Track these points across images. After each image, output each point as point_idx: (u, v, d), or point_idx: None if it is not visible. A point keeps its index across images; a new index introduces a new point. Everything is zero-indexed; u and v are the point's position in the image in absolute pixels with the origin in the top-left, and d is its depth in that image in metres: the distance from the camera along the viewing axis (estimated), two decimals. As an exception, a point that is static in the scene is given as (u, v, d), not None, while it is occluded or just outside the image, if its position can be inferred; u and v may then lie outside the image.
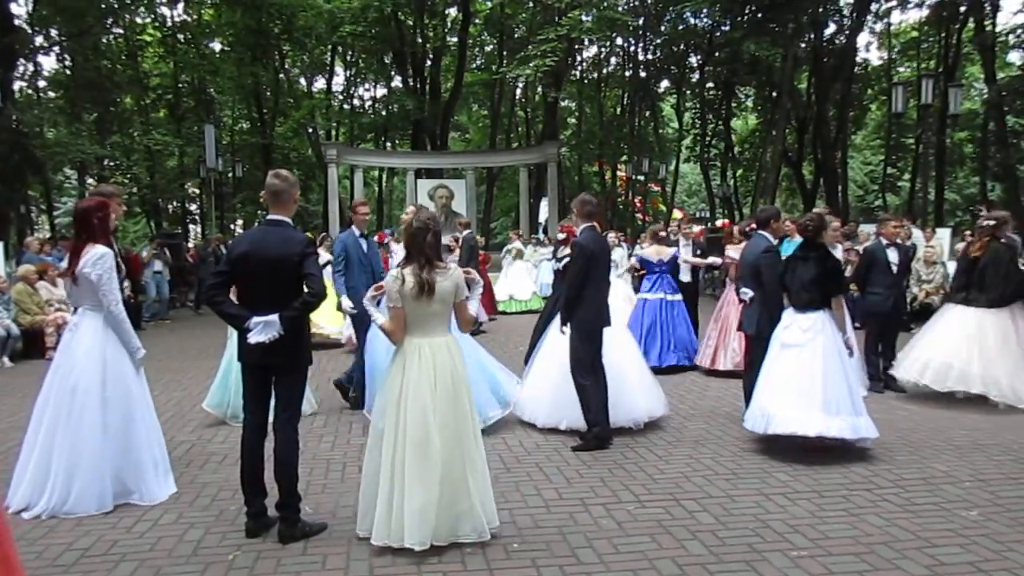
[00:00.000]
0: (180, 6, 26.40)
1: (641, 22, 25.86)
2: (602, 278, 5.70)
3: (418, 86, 28.18)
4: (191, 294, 17.28)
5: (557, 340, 5.81)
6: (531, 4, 26.00)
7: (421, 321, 3.81)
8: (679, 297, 8.94)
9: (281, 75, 28.14)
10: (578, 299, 5.46)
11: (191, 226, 31.80)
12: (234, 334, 5.13)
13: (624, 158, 29.74)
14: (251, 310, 3.79)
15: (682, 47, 27.25)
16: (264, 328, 3.73)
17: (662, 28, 26.28)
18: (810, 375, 5.16)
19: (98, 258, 4.33)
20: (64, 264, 4.75)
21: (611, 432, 5.62)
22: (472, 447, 3.80)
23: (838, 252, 7.21)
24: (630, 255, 14.93)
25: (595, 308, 5.53)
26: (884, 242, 7.62)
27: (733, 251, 8.08)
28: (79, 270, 4.35)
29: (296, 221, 4.40)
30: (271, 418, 3.97)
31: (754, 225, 6.97)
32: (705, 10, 23.08)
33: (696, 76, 28.49)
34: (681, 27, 25.77)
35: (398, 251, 8.13)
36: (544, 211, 26.36)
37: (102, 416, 4.30)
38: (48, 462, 4.29)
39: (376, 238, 9.27)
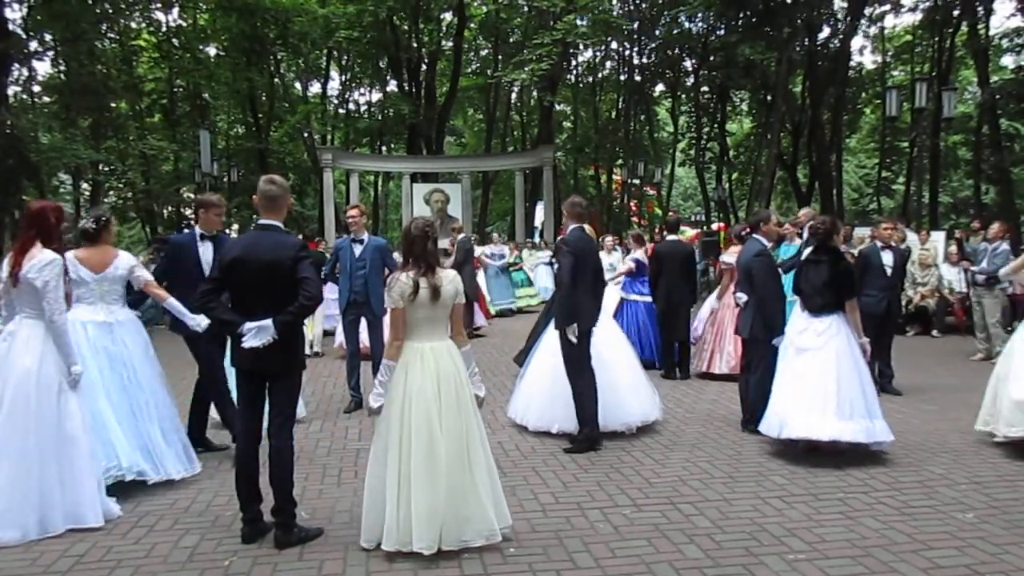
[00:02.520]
0: (175, 11, 26.38)
1: (636, 26, 25.95)
2: (592, 279, 5.71)
3: (413, 90, 28.19)
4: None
5: (553, 343, 5.81)
6: (526, 8, 26.03)
7: (424, 326, 3.82)
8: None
9: (276, 80, 28.09)
10: (572, 301, 5.45)
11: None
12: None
13: (619, 162, 29.77)
14: (245, 315, 3.78)
15: (677, 51, 27.26)
16: (258, 333, 3.71)
17: (657, 32, 26.34)
18: (824, 379, 5.14)
19: (45, 264, 4.04)
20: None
21: (600, 434, 5.63)
22: (478, 449, 3.81)
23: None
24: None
25: (582, 309, 5.54)
26: (879, 244, 7.65)
27: (729, 256, 8.10)
28: (22, 274, 4.04)
29: (292, 225, 4.40)
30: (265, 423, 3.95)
31: (748, 229, 7.01)
32: (700, 14, 23.15)
33: (691, 80, 28.53)
34: (676, 31, 25.84)
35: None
36: (540, 215, 26.39)
37: (32, 436, 3.96)
38: None
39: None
